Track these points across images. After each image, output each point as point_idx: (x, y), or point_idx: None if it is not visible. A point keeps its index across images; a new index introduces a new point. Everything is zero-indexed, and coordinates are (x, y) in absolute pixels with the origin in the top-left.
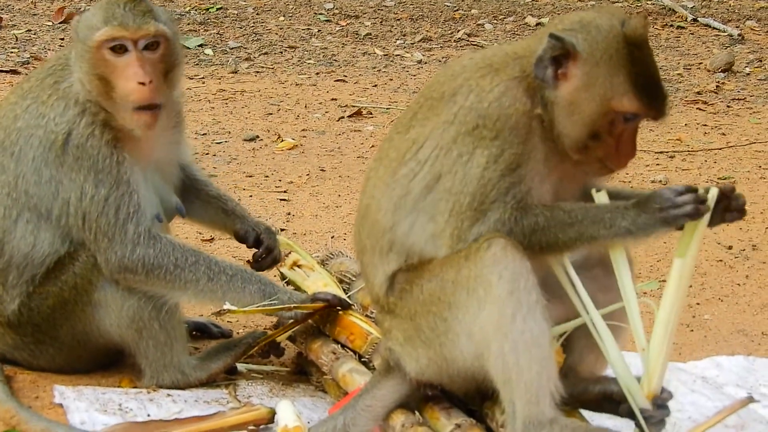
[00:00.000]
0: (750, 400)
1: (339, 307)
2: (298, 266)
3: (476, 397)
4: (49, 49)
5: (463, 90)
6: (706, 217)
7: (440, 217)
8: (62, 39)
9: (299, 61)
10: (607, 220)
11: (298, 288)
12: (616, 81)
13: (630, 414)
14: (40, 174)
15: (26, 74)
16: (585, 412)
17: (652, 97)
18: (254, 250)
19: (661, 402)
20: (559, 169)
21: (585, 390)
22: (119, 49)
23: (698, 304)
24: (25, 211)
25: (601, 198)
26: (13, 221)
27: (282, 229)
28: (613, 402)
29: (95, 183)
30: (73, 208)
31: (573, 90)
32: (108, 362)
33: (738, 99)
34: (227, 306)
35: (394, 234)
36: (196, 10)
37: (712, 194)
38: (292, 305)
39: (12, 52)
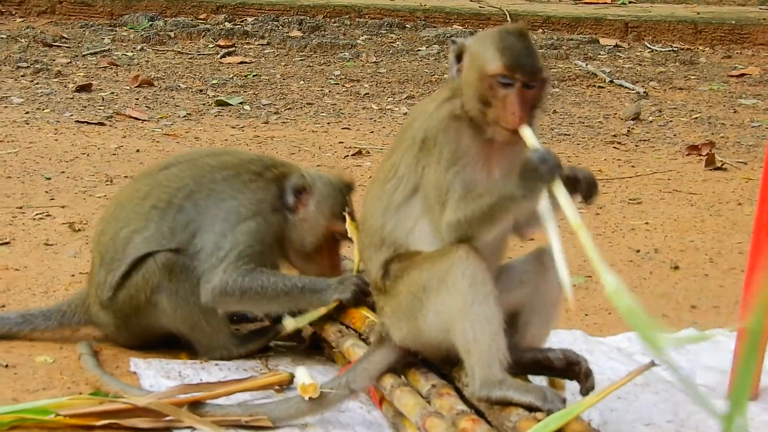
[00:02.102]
0: (652, 364)
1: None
2: None
3: (447, 364)
4: (127, 107)
5: (418, 117)
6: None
7: (414, 218)
8: (137, 99)
9: (315, 114)
10: (507, 193)
11: None
12: (488, 54)
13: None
14: (213, 225)
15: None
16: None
17: (516, 62)
18: None
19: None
20: (499, 152)
21: (521, 357)
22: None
23: None
24: (175, 242)
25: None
26: (158, 243)
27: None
28: (543, 366)
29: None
30: (222, 252)
31: (466, 71)
32: (170, 342)
33: (644, 140)
34: (288, 323)
35: (383, 231)
36: (237, 77)
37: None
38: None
39: (100, 109)
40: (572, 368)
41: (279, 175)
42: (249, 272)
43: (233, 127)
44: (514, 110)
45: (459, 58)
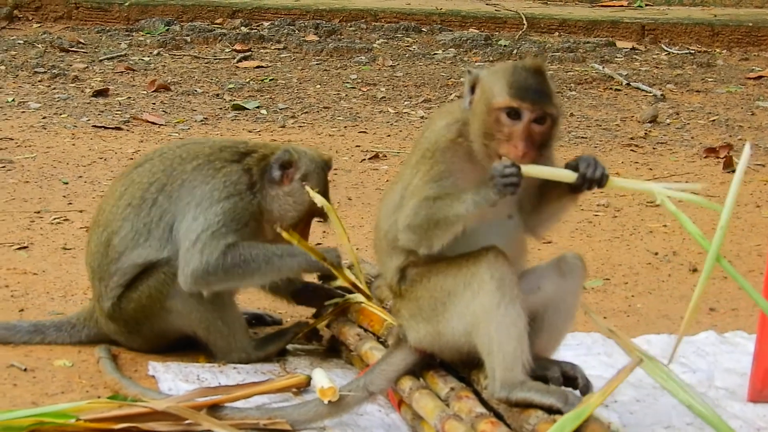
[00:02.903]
0: (640, 361)
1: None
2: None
3: (465, 366)
4: (144, 111)
5: (429, 127)
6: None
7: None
8: (154, 104)
9: (331, 117)
10: (463, 199)
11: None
12: (497, 87)
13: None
14: (186, 213)
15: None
16: None
17: (524, 95)
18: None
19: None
20: None
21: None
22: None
23: (632, 296)
24: (152, 238)
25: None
26: (135, 242)
27: (318, 244)
28: (539, 379)
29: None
30: (194, 234)
31: (476, 103)
32: (188, 345)
33: (661, 143)
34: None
35: (389, 236)
36: (254, 81)
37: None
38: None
39: (117, 114)
40: (571, 383)
41: (261, 158)
42: (228, 249)
43: (250, 132)
44: (517, 144)
45: (473, 89)
